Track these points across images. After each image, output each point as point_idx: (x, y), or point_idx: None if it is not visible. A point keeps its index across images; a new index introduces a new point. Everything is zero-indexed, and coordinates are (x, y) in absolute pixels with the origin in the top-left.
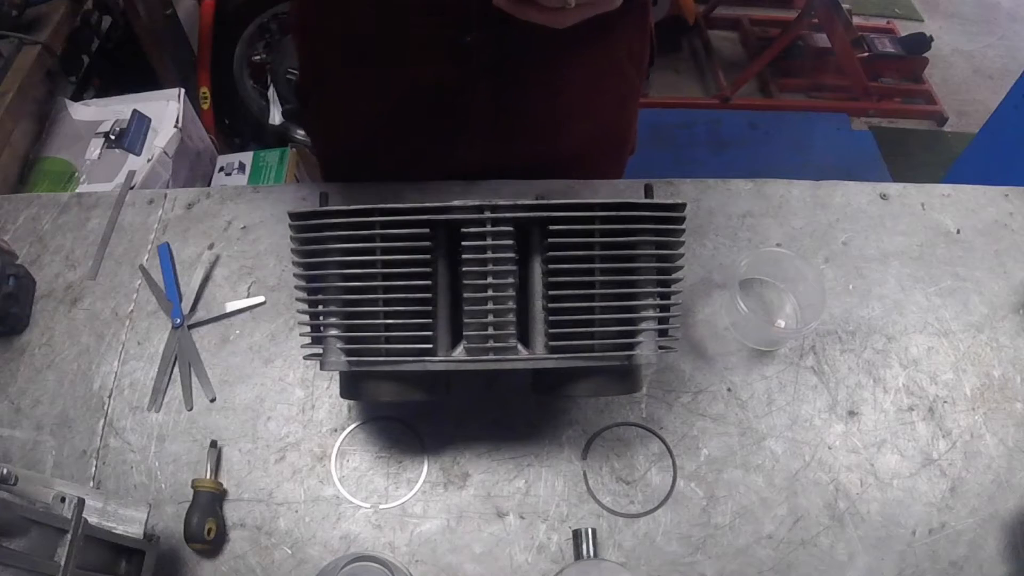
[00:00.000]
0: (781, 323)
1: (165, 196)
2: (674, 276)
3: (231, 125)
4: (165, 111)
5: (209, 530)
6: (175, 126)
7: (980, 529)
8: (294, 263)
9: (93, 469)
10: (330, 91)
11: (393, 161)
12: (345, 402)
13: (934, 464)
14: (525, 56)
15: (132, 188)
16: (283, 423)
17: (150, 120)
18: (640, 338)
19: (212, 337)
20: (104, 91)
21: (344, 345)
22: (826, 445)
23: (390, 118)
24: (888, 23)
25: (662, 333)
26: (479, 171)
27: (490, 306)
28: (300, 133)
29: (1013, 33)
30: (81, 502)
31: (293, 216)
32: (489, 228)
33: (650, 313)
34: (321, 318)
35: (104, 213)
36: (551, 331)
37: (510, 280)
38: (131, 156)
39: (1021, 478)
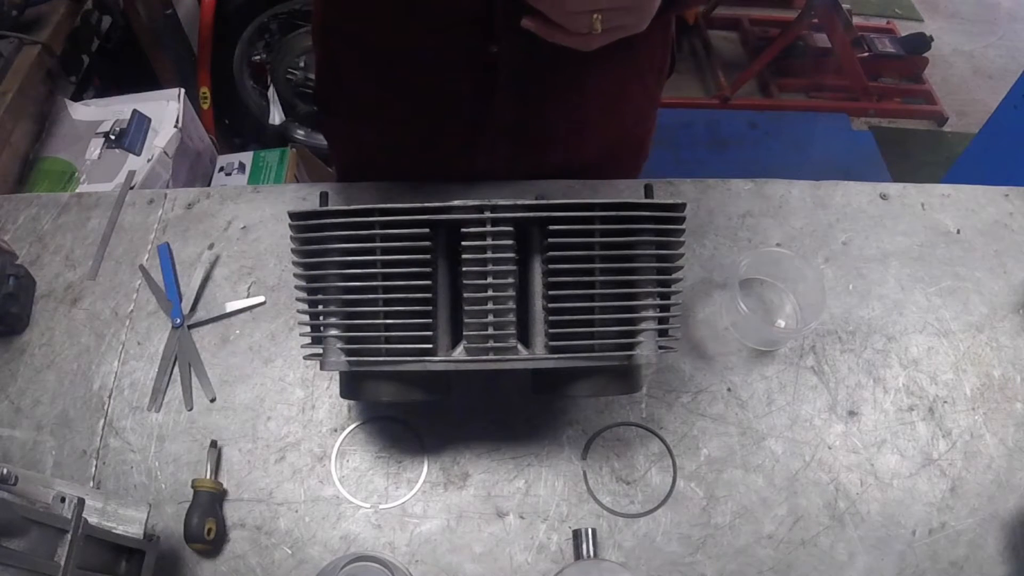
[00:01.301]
0: (781, 323)
1: (165, 196)
2: (674, 276)
3: (231, 125)
4: (165, 111)
5: (209, 530)
6: (175, 126)
7: (980, 529)
8: (294, 263)
9: (93, 469)
10: (351, 97)
11: (413, 168)
12: (345, 402)
13: (934, 464)
14: (549, 68)
15: (132, 188)
16: (283, 423)
17: (150, 120)
18: (640, 338)
19: (212, 337)
20: (104, 91)
21: (344, 345)
22: (826, 445)
23: (411, 125)
24: (888, 23)
25: (662, 333)
26: (503, 176)
27: (490, 306)
28: (300, 133)
29: (1013, 33)
30: (81, 502)
31: (293, 216)
32: (489, 228)
33: (650, 313)
34: (321, 318)
35: (104, 213)
36: (551, 331)
37: (510, 280)
38: (131, 156)
39: (1021, 478)
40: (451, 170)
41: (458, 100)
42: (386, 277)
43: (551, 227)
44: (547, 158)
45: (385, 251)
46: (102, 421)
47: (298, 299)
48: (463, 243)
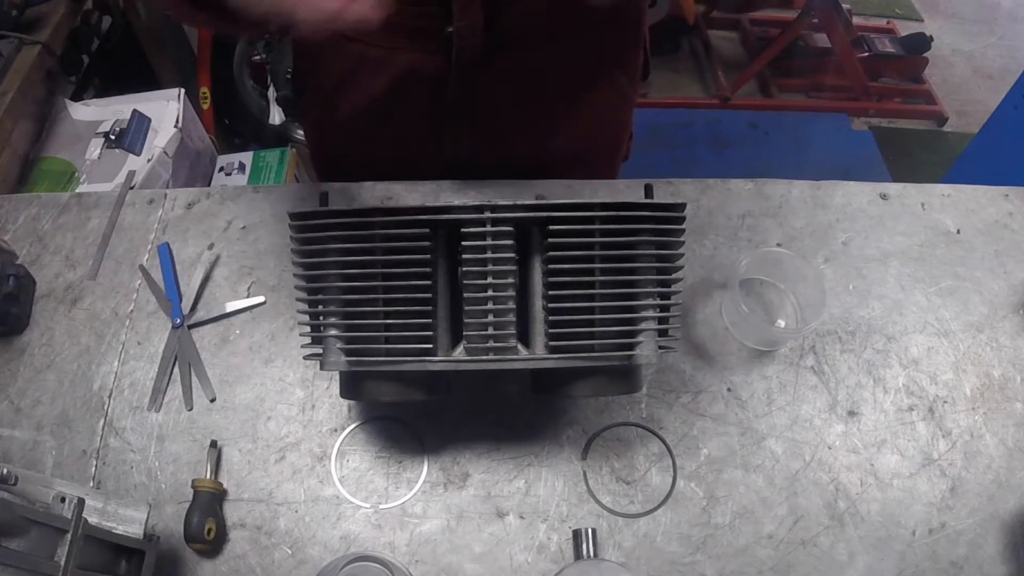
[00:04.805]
0: (781, 323)
1: (165, 196)
2: (674, 276)
3: (231, 125)
4: (165, 111)
5: (209, 530)
6: (175, 126)
7: (980, 529)
8: (294, 263)
9: (93, 469)
10: (319, 78)
11: (380, 151)
12: (345, 402)
13: (934, 464)
14: (504, 52)
15: (132, 188)
16: (283, 423)
17: (150, 120)
18: (640, 338)
19: (212, 337)
20: (104, 91)
21: (344, 345)
22: (826, 445)
23: (375, 107)
24: (888, 23)
25: (662, 333)
26: (468, 168)
27: (490, 306)
28: (300, 133)
29: (1013, 33)
30: (81, 502)
31: (293, 216)
32: (489, 228)
33: (650, 313)
34: (321, 318)
35: (104, 213)
36: (551, 331)
37: (510, 280)
38: (131, 156)
39: (1021, 478)
40: (419, 154)
41: (418, 81)
42: (386, 277)
43: (551, 227)
44: (513, 148)
45: (385, 251)
46: (102, 421)
47: (298, 299)
48: (463, 243)
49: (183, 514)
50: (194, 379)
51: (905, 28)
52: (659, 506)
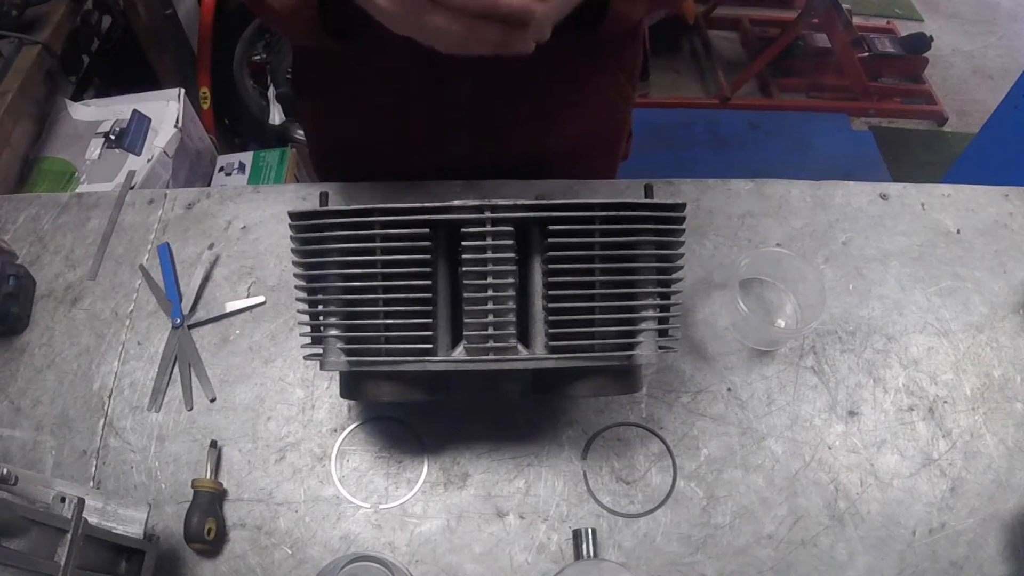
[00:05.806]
0: (781, 323)
1: (165, 196)
2: (674, 276)
3: (231, 125)
4: (165, 111)
5: (209, 530)
6: (175, 126)
7: (980, 529)
8: (294, 263)
9: (93, 469)
10: (318, 77)
11: (380, 151)
12: (345, 402)
13: (934, 464)
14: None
15: (132, 188)
16: (283, 423)
17: (150, 120)
18: (640, 338)
19: (212, 337)
20: (104, 91)
21: (344, 345)
22: (826, 445)
23: (374, 106)
24: (888, 23)
25: (662, 333)
26: (467, 168)
27: (490, 306)
28: (300, 133)
29: (1013, 33)
30: (81, 502)
31: (293, 216)
32: (489, 228)
33: (650, 313)
34: (321, 318)
35: (104, 213)
36: (551, 331)
37: (510, 280)
38: (131, 156)
39: (1021, 478)
40: (419, 153)
41: (417, 82)
42: (386, 277)
43: (551, 227)
44: (513, 147)
45: (385, 251)
46: (102, 421)
47: (298, 299)
48: (463, 243)
49: (183, 514)
50: (194, 379)
51: (905, 28)
52: (659, 506)
